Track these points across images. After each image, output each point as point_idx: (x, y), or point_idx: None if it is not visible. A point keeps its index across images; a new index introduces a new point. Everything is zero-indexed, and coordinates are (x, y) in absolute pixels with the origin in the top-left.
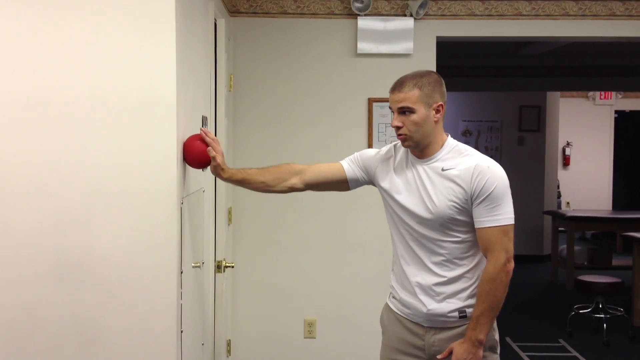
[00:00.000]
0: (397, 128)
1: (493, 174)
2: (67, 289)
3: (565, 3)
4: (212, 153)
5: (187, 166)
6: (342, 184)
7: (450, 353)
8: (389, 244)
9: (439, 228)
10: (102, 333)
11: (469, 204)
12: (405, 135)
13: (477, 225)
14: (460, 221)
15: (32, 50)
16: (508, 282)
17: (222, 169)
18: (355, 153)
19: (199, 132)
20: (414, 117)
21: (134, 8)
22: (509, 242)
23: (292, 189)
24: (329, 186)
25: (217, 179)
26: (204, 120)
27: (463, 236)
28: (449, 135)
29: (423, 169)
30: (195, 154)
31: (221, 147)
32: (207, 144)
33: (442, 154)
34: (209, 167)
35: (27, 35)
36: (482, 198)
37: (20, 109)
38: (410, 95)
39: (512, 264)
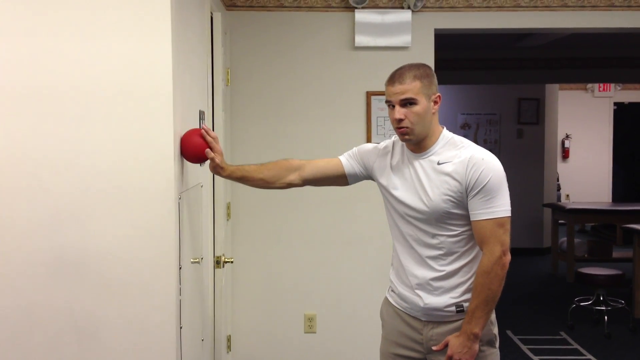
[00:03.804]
0: (399, 121)
1: (487, 165)
2: (64, 285)
3: None
4: (211, 155)
5: (185, 161)
6: (341, 179)
7: (446, 346)
8: (389, 238)
9: (434, 222)
10: (101, 329)
11: (464, 197)
12: (408, 128)
13: (472, 218)
14: (456, 215)
15: (27, 43)
16: (504, 275)
17: (222, 168)
18: (354, 148)
19: (195, 127)
20: (416, 108)
21: (130, 2)
22: (504, 234)
23: (290, 185)
24: (328, 182)
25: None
26: (201, 114)
27: (460, 230)
28: (445, 128)
29: (419, 164)
30: (193, 149)
31: (220, 146)
32: (205, 141)
33: (438, 147)
34: (206, 162)
35: (22, 28)
36: (477, 190)
37: (15, 103)
38: (412, 87)
39: (508, 257)
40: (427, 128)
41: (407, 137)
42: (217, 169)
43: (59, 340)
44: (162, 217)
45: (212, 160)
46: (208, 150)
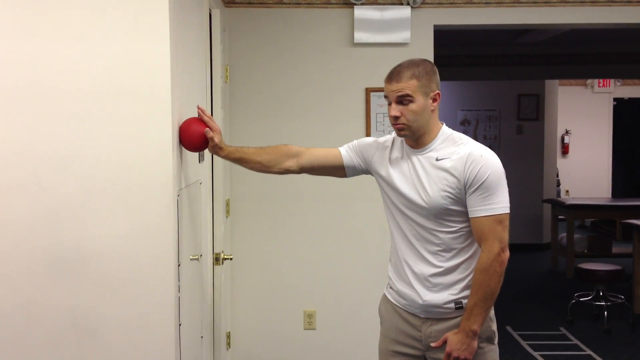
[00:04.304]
0: (395, 118)
1: (486, 162)
2: (63, 283)
3: None
4: (210, 134)
5: (184, 158)
6: (338, 170)
7: (445, 343)
8: (388, 235)
9: (433, 218)
10: (100, 327)
11: (463, 194)
12: (404, 124)
13: (470, 215)
14: (455, 211)
15: (24, 42)
16: (502, 272)
17: (220, 148)
18: (354, 141)
19: (193, 116)
20: (412, 106)
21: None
22: (503, 231)
23: (287, 171)
24: (325, 171)
25: (214, 171)
26: None
27: (458, 226)
28: (444, 124)
29: (418, 160)
30: (192, 137)
31: (217, 125)
32: (204, 124)
33: (437, 143)
34: (206, 156)
35: (19, 26)
36: (476, 187)
37: (13, 101)
38: (409, 85)
39: (506, 254)
40: (424, 125)
41: (403, 132)
42: (215, 149)
43: (58, 337)
44: (161, 214)
45: (211, 139)
46: (207, 129)
